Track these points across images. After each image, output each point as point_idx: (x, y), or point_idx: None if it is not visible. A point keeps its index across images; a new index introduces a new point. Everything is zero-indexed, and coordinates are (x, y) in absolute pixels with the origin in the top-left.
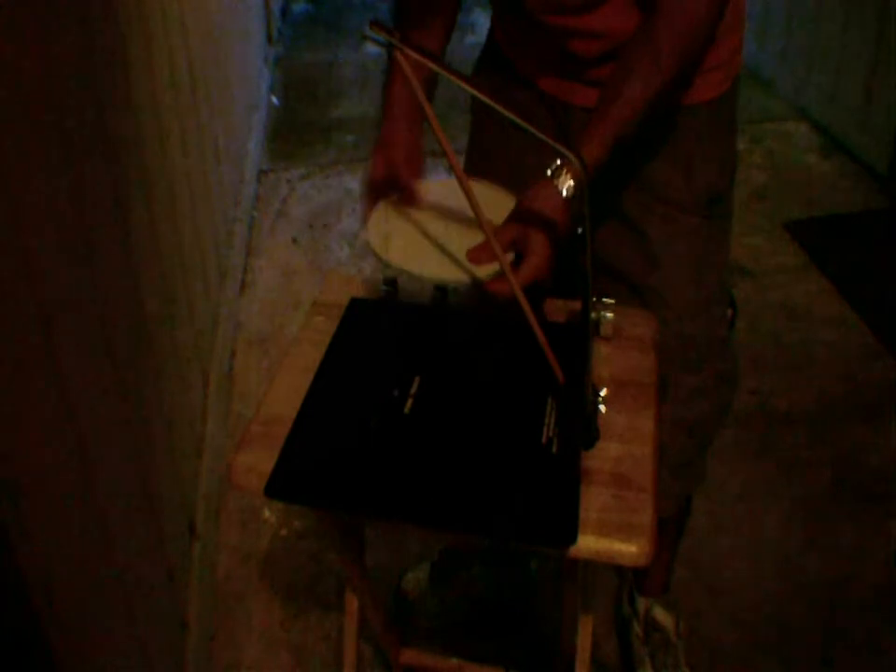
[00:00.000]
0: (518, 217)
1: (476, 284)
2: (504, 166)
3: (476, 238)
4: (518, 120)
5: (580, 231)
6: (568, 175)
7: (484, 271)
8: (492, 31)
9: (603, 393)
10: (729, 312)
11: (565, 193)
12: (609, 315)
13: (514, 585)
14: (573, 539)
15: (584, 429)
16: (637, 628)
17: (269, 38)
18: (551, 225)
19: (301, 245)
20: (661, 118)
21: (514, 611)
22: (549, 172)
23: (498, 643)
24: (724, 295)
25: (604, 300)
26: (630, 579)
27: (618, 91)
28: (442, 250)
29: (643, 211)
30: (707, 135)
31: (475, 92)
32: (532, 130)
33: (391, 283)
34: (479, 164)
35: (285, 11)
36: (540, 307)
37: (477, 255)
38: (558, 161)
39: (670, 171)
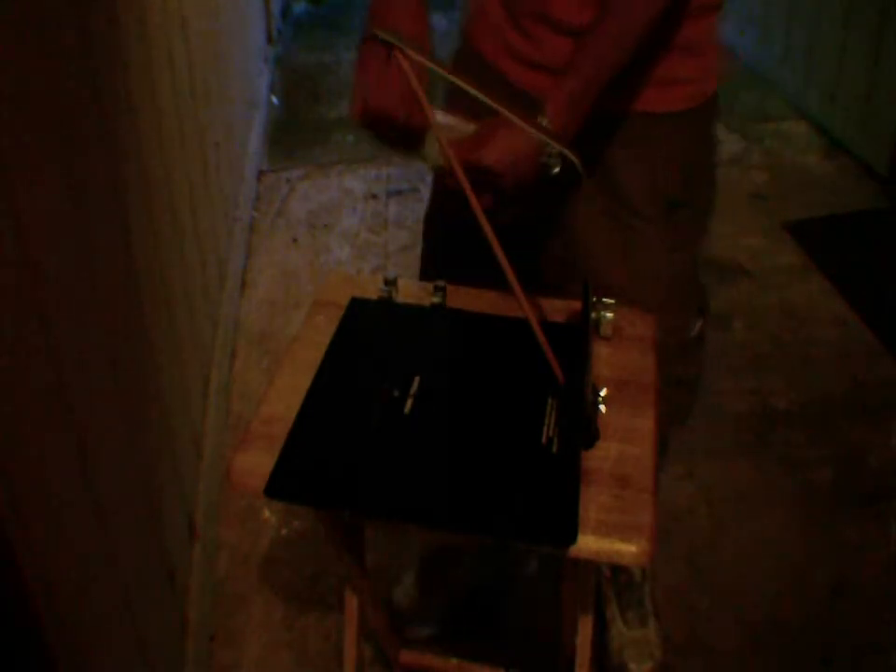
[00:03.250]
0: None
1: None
2: None
3: None
4: (517, 118)
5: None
6: (547, 121)
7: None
8: (464, 27)
9: (603, 393)
10: (699, 322)
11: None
12: (609, 315)
13: (500, 572)
14: (573, 539)
15: (584, 429)
16: (605, 569)
17: (269, 38)
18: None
19: (301, 245)
20: (624, 123)
21: (506, 602)
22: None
23: (498, 643)
24: (689, 302)
25: (604, 300)
26: None
27: (596, 28)
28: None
29: (601, 214)
30: (671, 144)
31: (474, 91)
32: (531, 128)
33: (391, 283)
34: None
35: (285, 11)
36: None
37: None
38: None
39: (632, 173)
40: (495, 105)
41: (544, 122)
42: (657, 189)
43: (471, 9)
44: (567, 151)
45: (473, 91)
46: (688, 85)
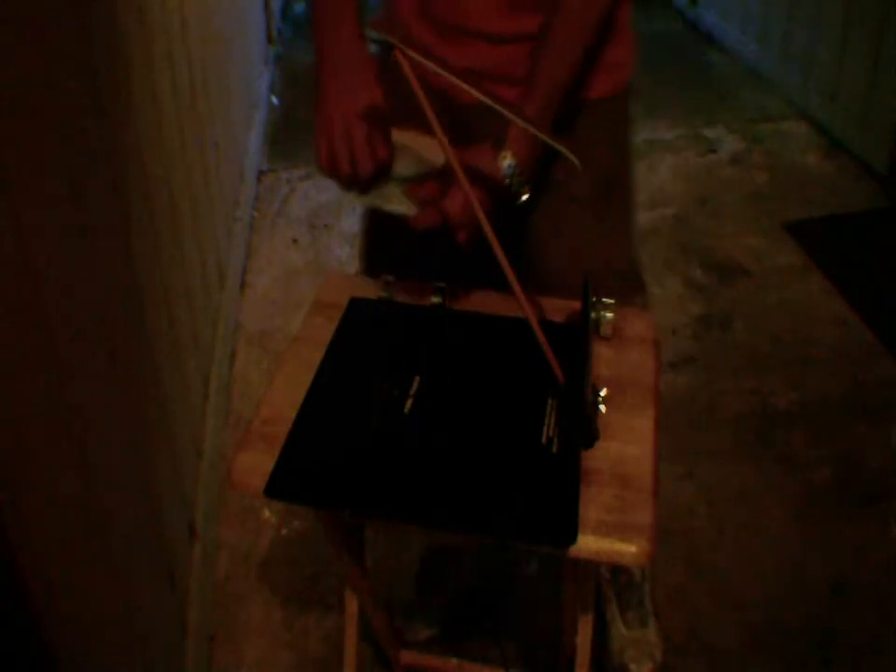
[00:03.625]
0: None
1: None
2: None
3: None
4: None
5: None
6: (510, 154)
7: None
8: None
9: (603, 393)
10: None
11: (503, 167)
12: (609, 315)
13: (500, 571)
14: (573, 539)
15: (584, 429)
16: (604, 570)
17: (269, 38)
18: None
19: (301, 245)
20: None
21: (506, 602)
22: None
23: (498, 643)
24: (626, 285)
25: (604, 300)
26: None
27: (551, 31)
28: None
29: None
30: (603, 129)
31: (475, 92)
32: (527, 126)
33: (391, 283)
34: None
35: (285, 11)
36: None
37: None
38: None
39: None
40: (494, 105)
41: (509, 154)
42: (592, 174)
43: (393, 18)
44: (564, 149)
45: (475, 92)
46: (617, 70)
